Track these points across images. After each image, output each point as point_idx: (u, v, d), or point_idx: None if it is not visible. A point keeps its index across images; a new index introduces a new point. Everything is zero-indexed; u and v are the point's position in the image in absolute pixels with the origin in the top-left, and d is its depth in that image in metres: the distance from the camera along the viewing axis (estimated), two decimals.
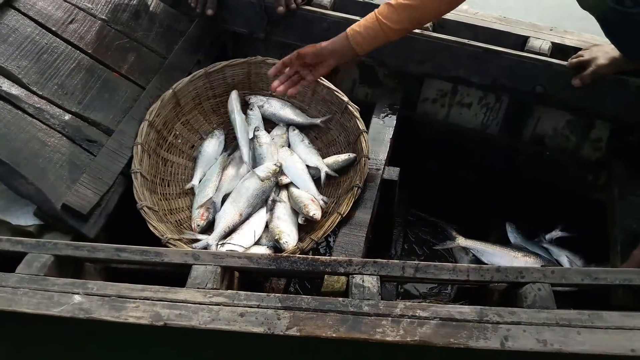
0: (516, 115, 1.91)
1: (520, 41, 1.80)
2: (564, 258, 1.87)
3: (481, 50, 1.75)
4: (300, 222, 1.61)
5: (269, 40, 2.07)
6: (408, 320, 1.12)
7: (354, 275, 1.21)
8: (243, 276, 1.36)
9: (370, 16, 1.52)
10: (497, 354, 1.08)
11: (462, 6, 1.58)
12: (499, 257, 1.89)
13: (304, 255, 1.26)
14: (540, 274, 1.18)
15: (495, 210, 2.11)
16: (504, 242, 1.99)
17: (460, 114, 2.04)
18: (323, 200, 1.66)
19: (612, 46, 1.60)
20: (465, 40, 1.78)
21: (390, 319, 1.13)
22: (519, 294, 1.17)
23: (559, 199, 1.92)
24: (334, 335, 1.11)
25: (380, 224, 1.93)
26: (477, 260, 1.90)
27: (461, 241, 1.97)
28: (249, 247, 1.55)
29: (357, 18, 1.86)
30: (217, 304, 1.17)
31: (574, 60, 1.67)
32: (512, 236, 1.99)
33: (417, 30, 1.82)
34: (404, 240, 2.13)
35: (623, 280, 1.16)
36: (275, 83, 1.60)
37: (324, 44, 1.57)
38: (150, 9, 1.90)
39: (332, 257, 1.25)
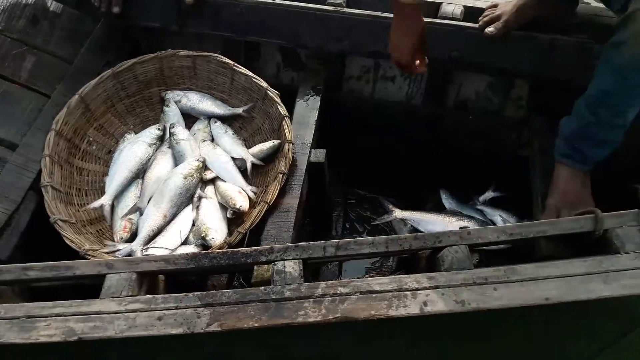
0: (437, 83, 1.92)
1: (433, 8, 1.80)
2: (497, 217, 1.91)
3: None
4: (229, 216, 1.59)
5: (183, 33, 2.02)
6: (330, 299, 1.12)
7: (276, 262, 1.20)
8: (171, 279, 1.34)
9: None
10: (419, 319, 1.09)
11: None
12: (434, 224, 1.91)
13: (222, 250, 1.24)
14: (457, 237, 1.19)
15: (430, 179, 2.13)
16: (441, 210, 2.01)
17: (385, 88, 2.04)
18: (252, 191, 1.64)
19: None
20: (379, 13, 1.77)
21: (312, 300, 1.12)
22: (437, 258, 1.18)
23: (488, 160, 1.94)
24: (256, 325, 1.10)
25: (315, 206, 1.93)
26: (416, 230, 1.92)
27: (398, 213, 1.99)
28: (176, 248, 1.51)
29: (269, 0, 1.85)
30: (134, 311, 1.13)
31: (485, 18, 1.70)
32: (447, 202, 2.02)
33: (330, 7, 1.81)
34: (344, 219, 2.13)
35: (537, 232, 1.19)
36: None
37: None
38: (50, 12, 1.82)
39: (253, 248, 1.23)
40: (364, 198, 2.27)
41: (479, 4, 1.81)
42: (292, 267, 1.19)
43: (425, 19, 1.71)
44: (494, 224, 1.92)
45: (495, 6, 1.72)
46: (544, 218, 1.45)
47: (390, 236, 1.22)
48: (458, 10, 1.74)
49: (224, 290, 1.16)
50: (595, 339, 1.33)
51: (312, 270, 1.80)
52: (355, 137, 2.17)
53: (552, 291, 1.08)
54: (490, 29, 1.66)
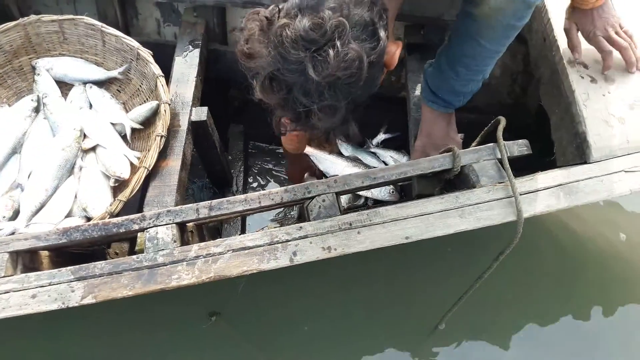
0: None
1: None
2: (389, 159, 1.97)
3: None
4: (111, 184, 1.55)
5: None
6: (203, 259, 1.14)
7: (148, 230, 1.20)
8: (61, 253, 1.31)
9: None
10: (290, 269, 1.13)
11: None
12: (333, 164, 1.95)
13: (93, 222, 1.21)
14: (324, 186, 1.22)
15: None
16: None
17: None
18: (135, 156, 1.60)
19: None
20: None
21: (185, 263, 1.14)
22: (306, 208, 1.21)
23: (375, 103, 1.97)
24: (130, 293, 1.11)
25: (209, 166, 1.92)
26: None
27: (306, 149, 2.02)
28: (60, 223, 1.47)
29: None
30: (7, 292, 1.12)
31: None
32: (343, 148, 2.05)
33: None
34: (245, 174, 2.13)
35: (399, 174, 1.23)
36: None
37: None
38: None
39: (125, 217, 1.22)
40: (265, 150, 2.28)
41: None
42: (164, 232, 1.19)
43: None
44: (386, 164, 1.99)
45: None
46: (412, 159, 1.51)
47: (262, 192, 1.24)
48: None
49: (96, 263, 1.15)
50: (469, 268, 1.43)
51: (211, 230, 1.82)
52: (249, 91, 2.15)
53: (411, 229, 1.15)
54: None
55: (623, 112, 1.26)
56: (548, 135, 1.50)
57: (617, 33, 1.34)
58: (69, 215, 1.51)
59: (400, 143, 2.06)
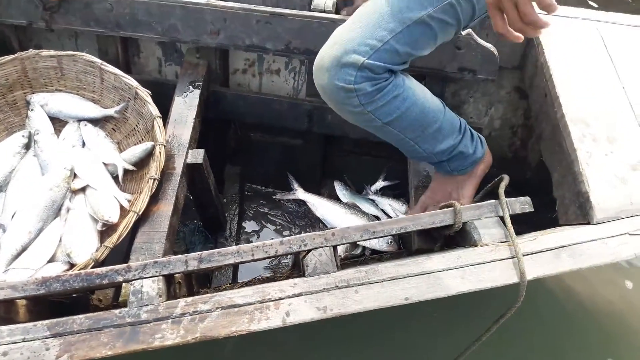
0: None
1: (307, 1, 1.76)
2: (387, 206, 1.93)
3: (268, 14, 1.69)
4: (99, 228, 1.49)
5: (54, 29, 1.88)
6: (189, 317, 1.08)
7: (133, 282, 1.14)
8: (38, 301, 1.24)
9: None
10: (282, 330, 1.07)
11: None
12: (330, 211, 1.93)
13: (75, 272, 1.15)
14: (321, 239, 1.17)
15: (326, 170, 2.12)
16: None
17: (272, 82, 1.99)
18: (125, 199, 1.55)
19: None
20: (252, 6, 1.71)
21: (170, 321, 1.08)
22: (302, 261, 1.16)
23: (375, 152, 1.96)
24: (109, 353, 1.04)
25: (203, 209, 1.87)
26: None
27: (300, 193, 2.00)
28: (41, 268, 1.41)
29: None
30: None
31: (350, 8, 1.70)
32: (341, 194, 2.02)
33: (202, 0, 1.73)
34: (240, 217, 2.08)
35: (399, 229, 1.19)
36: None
37: None
38: None
39: (109, 267, 1.16)
40: (261, 193, 2.23)
41: None
42: (150, 286, 1.12)
43: (298, 12, 1.68)
44: (385, 213, 1.94)
45: None
46: (411, 212, 1.47)
47: (256, 243, 1.18)
48: (330, 3, 1.71)
49: (75, 317, 1.08)
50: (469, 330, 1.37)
51: (201, 277, 1.76)
52: (248, 133, 2.13)
53: (411, 290, 1.09)
54: (343, 12, 1.69)
55: (625, 172, 1.23)
56: (548, 189, 1.47)
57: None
58: (51, 260, 1.44)
59: (398, 191, 2.02)
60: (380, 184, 2.02)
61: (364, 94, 1.18)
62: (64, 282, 1.13)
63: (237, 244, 1.97)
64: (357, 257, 1.73)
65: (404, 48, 1.21)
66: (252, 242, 2.06)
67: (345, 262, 1.55)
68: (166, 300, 1.11)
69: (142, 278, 1.14)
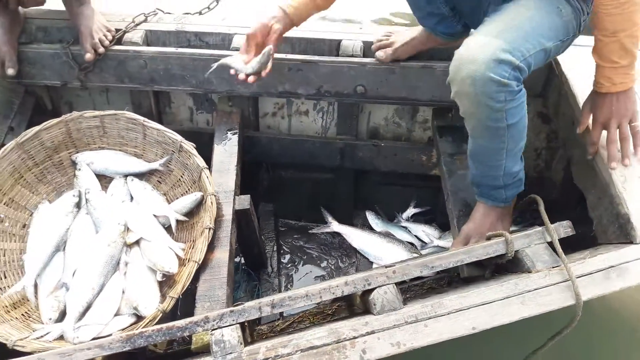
0: (349, 114, 1.98)
1: (335, 45, 1.86)
2: (421, 233, 2.02)
3: (299, 62, 1.79)
4: (159, 279, 1.55)
5: (88, 87, 1.96)
6: None
7: (214, 332, 1.21)
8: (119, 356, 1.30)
9: None
10: None
11: None
12: (366, 241, 2.02)
13: (157, 327, 1.22)
14: (384, 277, 1.24)
15: (357, 202, 2.20)
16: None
17: (301, 122, 2.08)
18: (180, 248, 1.62)
19: (410, 30, 1.76)
20: (283, 55, 1.80)
21: None
22: (369, 301, 1.23)
23: (403, 182, 2.05)
24: None
25: (247, 250, 1.94)
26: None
27: (335, 226, 2.09)
28: (109, 323, 1.47)
29: (172, 50, 1.83)
30: None
31: (379, 43, 1.80)
32: (374, 223, 2.10)
33: (234, 52, 1.82)
34: (278, 253, 2.15)
35: (456, 262, 1.27)
36: (242, 76, 1.60)
37: (263, 19, 1.61)
38: None
39: (189, 320, 1.22)
40: (295, 227, 2.31)
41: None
42: (229, 334, 1.19)
43: (328, 58, 1.78)
44: (419, 239, 2.03)
45: (390, 34, 1.82)
46: (455, 243, 1.57)
47: (322, 285, 1.26)
48: (358, 47, 1.81)
49: None
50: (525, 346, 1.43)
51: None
52: (279, 171, 2.21)
53: (477, 319, 1.17)
54: (380, 54, 1.77)
55: None
56: (573, 207, 1.56)
57: (620, 125, 1.40)
58: (117, 313, 1.51)
59: (429, 217, 2.11)
60: (411, 210, 2.10)
61: (510, 92, 1.28)
62: (148, 337, 1.20)
63: (278, 279, 2.04)
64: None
65: (535, 64, 1.34)
66: (292, 275, 2.14)
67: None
68: (246, 347, 1.18)
69: (220, 327, 1.21)
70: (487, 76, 1.24)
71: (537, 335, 1.30)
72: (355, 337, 1.16)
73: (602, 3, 1.29)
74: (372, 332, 1.16)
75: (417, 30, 1.75)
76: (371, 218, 2.11)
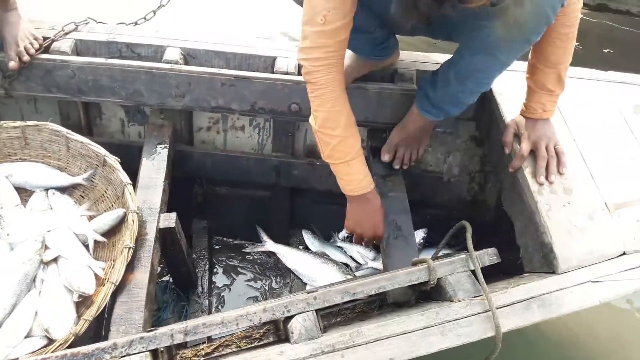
0: (284, 132, 1.95)
1: (270, 62, 1.83)
2: (355, 254, 2.00)
3: (233, 77, 1.75)
4: (75, 299, 1.47)
5: (14, 96, 1.86)
6: None
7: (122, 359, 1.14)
8: None
9: None
10: None
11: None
12: (301, 261, 1.98)
13: (60, 353, 1.14)
14: (304, 304, 1.21)
15: (293, 221, 2.16)
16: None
17: (237, 138, 2.04)
18: (100, 267, 1.53)
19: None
20: (217, 70, 1.76)
21: None
22: (287, 329, 1.19)
23: (341, 201, 2.02)
24: None
25: (175, 269, 1.87)
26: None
27: (270, 245, 2.04)
28: (17, 345, 1.37)
29: (101, 60, 1.76)
30: None
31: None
32: (310, 243, 2.07)
33: (166, 65, 1.76)
34: (210, 272, 2.08)
35: (378, 289, 1.24)
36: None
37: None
38: None
39: (95, 346, 1.15)
40: (230, 245, 2.24)
41: None
42: None
43: (262, 75, 1.75)
44: (354, 259, 2.00)
45: None
46: (384, 149, 1.74)
47: (239, 312, 1.21)
48: (292, 65, 1.79)
49: None
50: None
51: None
52: (214, 187, 2.15)
53: (395, 350, 1.14)
54: None
55: (583, 222, 1.34)
56: (507, 230, 1.57)
57: (547, 145, 1.49)
58: (28, 335, 1.41)
59: None
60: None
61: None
62: None
63: (208, 300, 1.97)
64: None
65: None
66: (223, 296, 2.07)
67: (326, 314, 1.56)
68: None
69: (129, 355, 1.14)
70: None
71: None
72: None
73: (556, 31, 1.38)
74: None
75: (348, 60, 1.71)
76: (307, 237, 2.08)
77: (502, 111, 1.63)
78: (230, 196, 2.14)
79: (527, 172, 1.45)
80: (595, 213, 1.36)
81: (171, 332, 1.17)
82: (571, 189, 1.41)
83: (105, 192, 1.70)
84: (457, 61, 1.50)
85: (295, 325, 1.18)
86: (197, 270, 2.02)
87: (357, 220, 1.61)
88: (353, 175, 1.52)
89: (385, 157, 1.75)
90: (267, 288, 2.09)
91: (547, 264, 1.31)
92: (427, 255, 1.95)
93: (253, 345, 1.42)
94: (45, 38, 1.81)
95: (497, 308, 1.19)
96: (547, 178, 1.44)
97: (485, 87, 1.54)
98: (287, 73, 1.77)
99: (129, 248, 1.48)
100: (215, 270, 2.14)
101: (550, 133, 1.51)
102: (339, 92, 1.41)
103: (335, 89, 1.40)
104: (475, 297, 1.22)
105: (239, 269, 2.16)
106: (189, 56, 1.85)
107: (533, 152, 1.50)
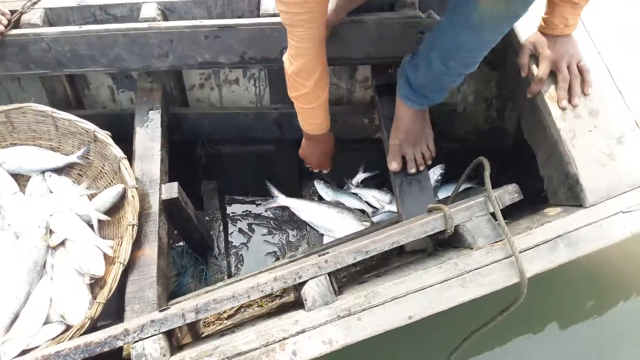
0: (281, 81, 1.80)
1: (255, 4, 1.69)
2: (371, 198, 1.92)
3: (216, 28, 1.61)
4: (87, 282, 1.44)
5: None
6: None
7: (135, 345, 1.11)
8: None
9: None
10: None
11: None
12: (316, 213, 1.91)
13: (74, 345, 1.11)
14: (315, 268, 1.15)
15: (303, 172, 2.08)
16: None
17: (232, 93, 1.93)
18: (108, 246, 1.49)
19: None
20: (197, 22, 1.62)
21: None
22: (300, 296, 1.14)
23: (352, 147, 1.92)
24: None
25: (187, 236, 1.83)
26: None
27: (282, 200, 1.99)
28: (37, 333, 1.36)
29: (75, 28, 1.64)
30: None
31: None
32: (323, 192, 2.00)
33: (144, 24, 1.63)
34: (225, 232, 2.04)
35: (392, 244, 1.17)
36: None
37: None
38: None
39: (107, 333, 1.13)
40: (243, 202, 2.19)
41: None
42: (151, 347, 1.10)
43: (248, 21, 1.61)
44: (370, 205, 1.93)
45: None
46: (390, 158, 1.56)
47: (250, 283, 1.16)
48: None
49: None
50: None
51: None
52: (217, 147, 2.07)
53: (414, 307, 1.08)
54: None
55: (612, 147, 1.21)
56: (529, 157, 1.46)
57: (569, 64, 1.33)
58: (46, 322, 1.40)
59: (380, 180, 2.00)
60: (360, 176, 1.99)
61: None
62: (65, 356, 1.10)
63: (227, 261, 1.94)
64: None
65: None
66: (241, 255, 2.04)
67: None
68: (171, 356, 1.09)
69: (142, 339, 1.11)
70: None
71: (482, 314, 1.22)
72: (285, 338, 1.08)
73: None
74: (303, 331, 1.08)
75: None
76: (320, 187, 2.00)
77: (516, 30, 1.47)
78: (235, 154, 2.06)
79: (548, 96, 1.31)
80: (624, 136, 1.23)
81: (182, 312, 1.13)
82: (597, 111, 1.27)
83: (103, 168, 1.63)
84: (437, 41, 1.34)
85: (308, 292, 1.12)
86: (212, 232, 1.99)
87: (309, 153, 1.75)
88: (314, 119, 1.59)
89: (394, 166, 1.54)
90: (284, 242, 2.05)
91: (573, 197, 1.21)
92: (445, 192, 1.88)
93: (275, 303, 1.38)
94: (12, 12, 1.69)
95: (521, 252, 1.10)
96: (570, 101, 1.29)
97: (469, 67, 1.34)
98: (275, 15, 1.62)
99: (133, 225, 1.43)
100: (230, 230, 2.11)
101: (573, 50, 1.34)
102: (318, 47, 1.37)
103: (313, 45, 1.35)
104: (496, 242, 1.14)
105: (253, 226, 2.12)
106: (167, 10, 1.71)
107: (554, 74, 1.34)
